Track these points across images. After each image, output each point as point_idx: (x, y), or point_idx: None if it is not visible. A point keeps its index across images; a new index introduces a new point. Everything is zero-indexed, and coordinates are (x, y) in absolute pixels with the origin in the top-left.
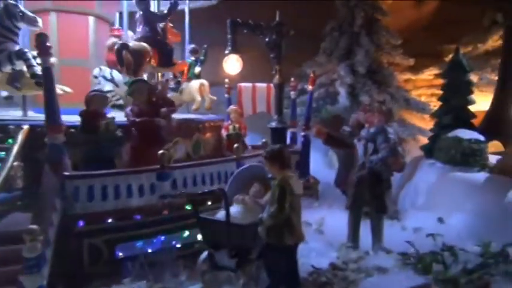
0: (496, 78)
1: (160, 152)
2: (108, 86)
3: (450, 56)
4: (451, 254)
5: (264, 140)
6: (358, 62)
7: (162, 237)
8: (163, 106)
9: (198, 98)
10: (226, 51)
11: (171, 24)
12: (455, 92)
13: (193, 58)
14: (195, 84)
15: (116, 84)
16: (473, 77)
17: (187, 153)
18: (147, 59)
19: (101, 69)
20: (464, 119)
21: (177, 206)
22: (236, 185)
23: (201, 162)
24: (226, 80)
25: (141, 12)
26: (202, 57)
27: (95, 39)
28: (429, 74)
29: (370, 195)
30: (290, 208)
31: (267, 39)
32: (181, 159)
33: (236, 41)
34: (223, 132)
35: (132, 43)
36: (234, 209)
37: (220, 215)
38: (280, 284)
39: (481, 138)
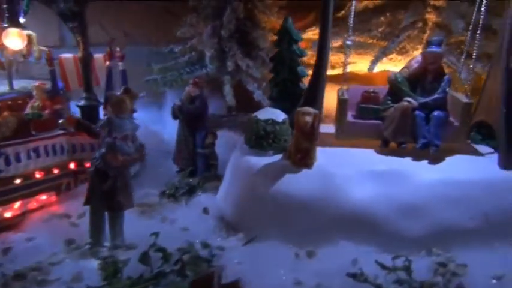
0: (371, 40)
1: None
2: None
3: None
4: (162, 256)
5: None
6: (223, 23)
7: None
8: None
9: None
10: (4, 25)
11: None
12: (283, 64)
13: None
14: None
15: None
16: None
17: None
18: None
19: None
20: (292, 93)
21: None
22: None
23: None
24: (45, 48)
25: None
26: (25, 8)
27: None
28: (313, 33)
29: (100, 192)
30: None
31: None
32: None
33: (15, 12)
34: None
35: None
36: None
37: None
38: None
39: (279, 118)
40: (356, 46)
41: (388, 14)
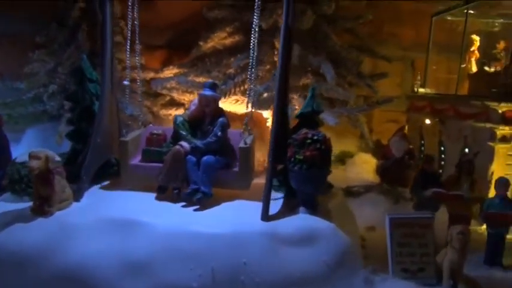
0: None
1: None
2: None
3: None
4: None
5: None
6: (64, 60)
7: None
8: None
9: None
10: None
11: None
12: (76, 103)
13: None
14: None
15: None
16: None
17: None
18: None
19: None
20: (86, 133)
21: None
22: None
23: None
24: None
25: None
26: None
27: None
28: (169, 72)
29: None
30: None
31: None
32: None
33: None
34: None
35: None
36: None
37: None
38: None
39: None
40: (196, 87)
41: (239, 55)
